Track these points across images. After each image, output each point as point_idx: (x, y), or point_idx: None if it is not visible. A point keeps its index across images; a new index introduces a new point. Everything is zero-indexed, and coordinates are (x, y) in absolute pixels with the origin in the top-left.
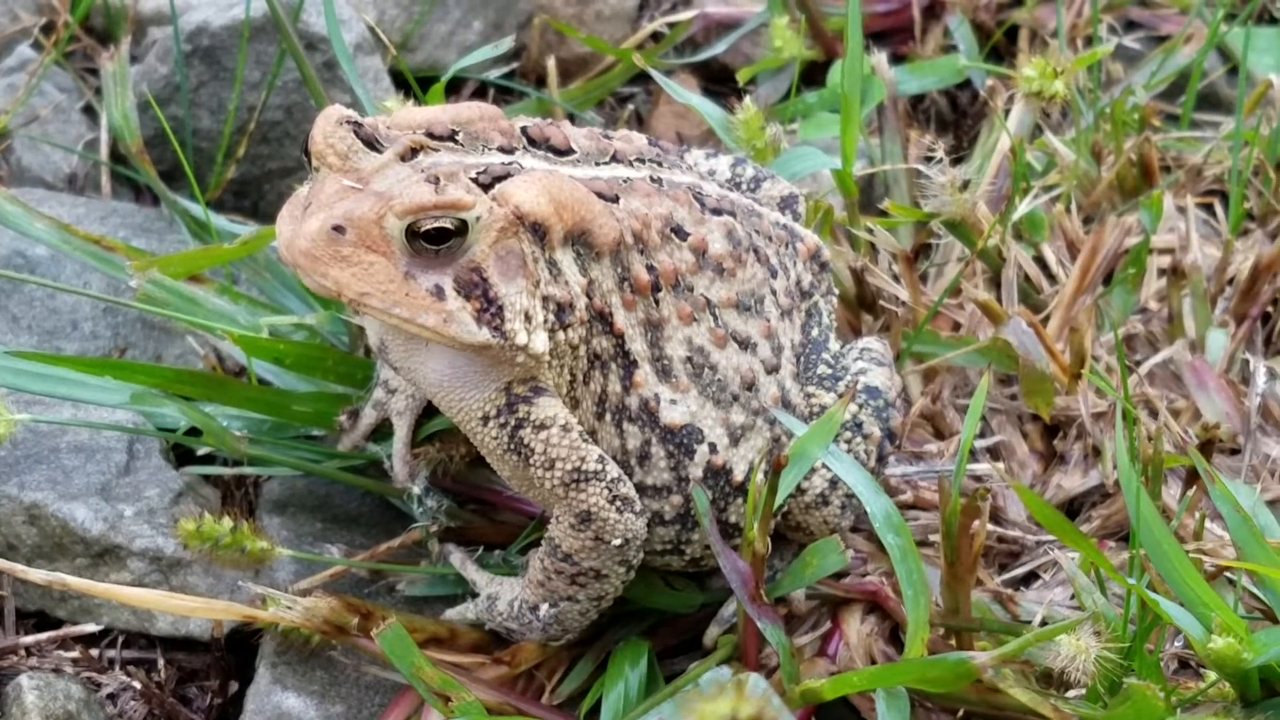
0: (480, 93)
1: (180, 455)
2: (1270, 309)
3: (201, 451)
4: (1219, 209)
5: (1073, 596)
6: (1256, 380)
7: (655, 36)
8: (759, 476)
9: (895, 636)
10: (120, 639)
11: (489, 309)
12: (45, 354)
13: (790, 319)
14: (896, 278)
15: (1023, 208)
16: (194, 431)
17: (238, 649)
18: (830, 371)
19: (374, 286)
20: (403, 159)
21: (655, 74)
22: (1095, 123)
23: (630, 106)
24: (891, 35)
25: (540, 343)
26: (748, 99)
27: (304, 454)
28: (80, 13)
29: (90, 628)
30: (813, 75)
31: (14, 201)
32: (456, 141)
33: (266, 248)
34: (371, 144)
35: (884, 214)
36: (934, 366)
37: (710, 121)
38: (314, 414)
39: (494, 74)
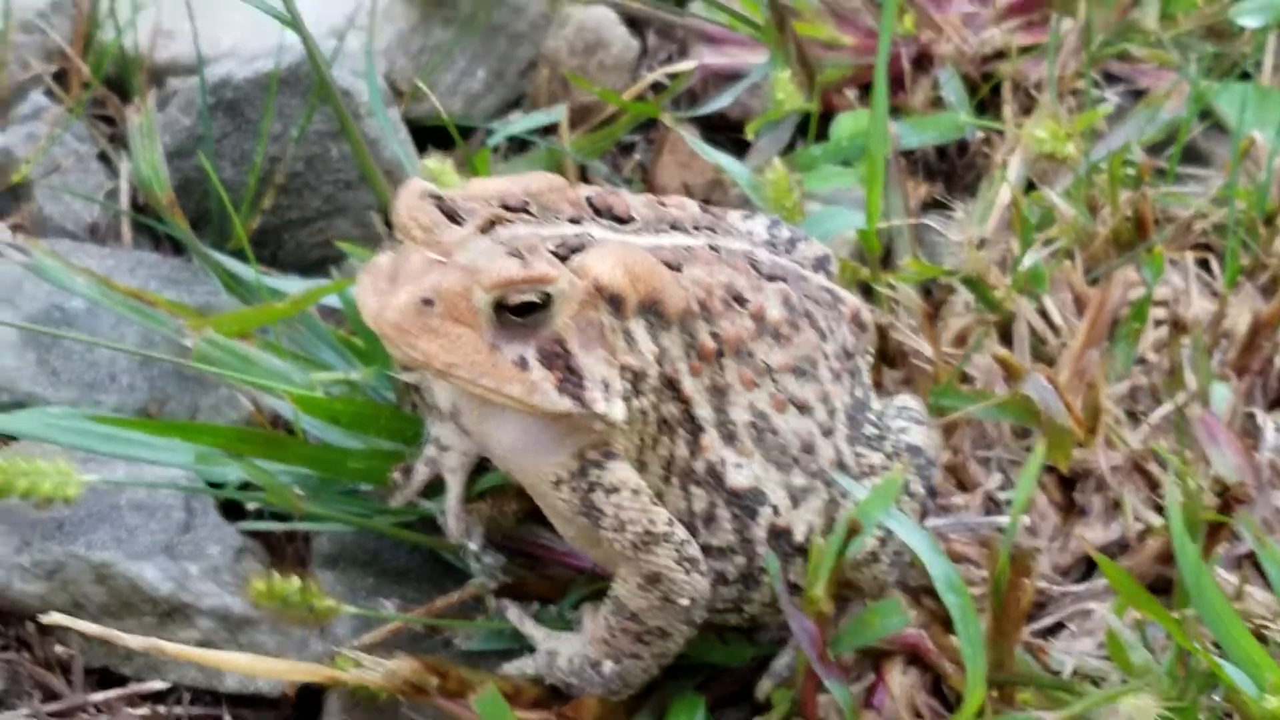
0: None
1: (228, 510)
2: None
3: (251, 507)
4: (1211, 262)
5: (1100, 646)
6: (1266, 436)
7: (654, 87)
8: (820, 538)
9: (937, 688)
10: (187, 696)
11: (570, 379)
12: (115, 418)
13: (840, 381)
14: (914, 332)
15: (1026, 261)
16: (244, 487)
17: (301, 704)
18: (876, 431)
19: (461, 358)
20: (482, 231)
21: (686, 135)
22: (1088, 176)
23: (635, 156)
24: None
25: (619, 411)
26: (776, 161)
27: (356, 510)
28: (99, 68)
29: (157, 685)
30: (806, 126)
31: (53, 256)
32: (529, 213)
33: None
34: (452, 216)
35: (894, 269)
36: (954, 420)
37: (739, 182)
38: (367, 470)
39: (499, 124)
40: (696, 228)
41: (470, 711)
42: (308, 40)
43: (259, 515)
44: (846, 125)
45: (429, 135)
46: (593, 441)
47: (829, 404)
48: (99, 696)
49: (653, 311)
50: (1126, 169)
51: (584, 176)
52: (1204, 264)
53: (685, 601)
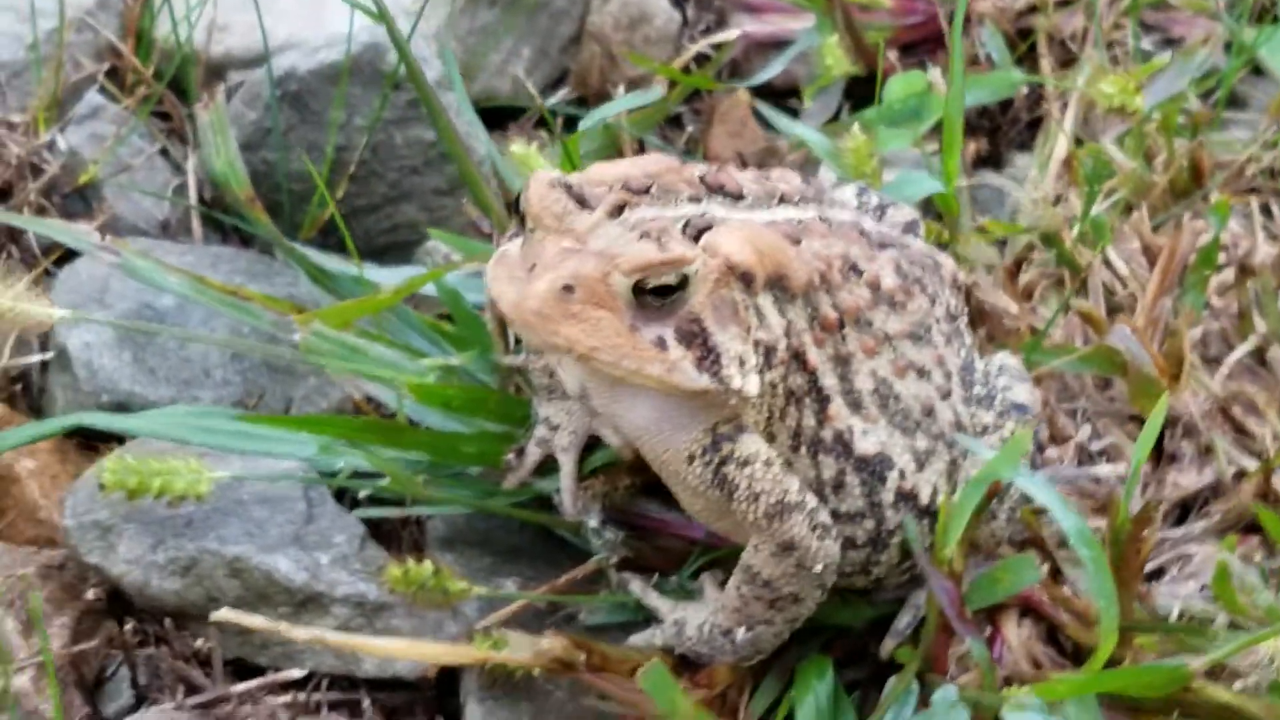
0: (541, 123)
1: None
2: None
3: (362, 494)
4: (1253, 204)
5: (1203, 589)
6: None
7: (697, 59)
8: (951, 498)
9: (1053, 639)
10: (325, 682)
11: (707, 356)
12: (244, 414)
13: (951, 344)
14: (997, 290)
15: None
16: (354, 477)
17: (439, 685)
18: (984, 391)
19: (603, 341)
20: (611, 216)
21: (765, 109)
22: (1138, 127)
23: (687, 129)
24: (919, 46)
25: (753, 386)
26: (856, 126)
27: (471, 493)
28: (147, 58)
29: (295, 673)
30: (852, 90)
31: (144, 257)
32: (652, 195)
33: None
34: (581, 202)
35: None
36: (1037, 375)
37: (819, 151)
38: (480, 453)
39: (552, 101)
40: (803, 200)
41: (613, 684)
42: (393, 28)
43: (370, 503)
44: (899, 87)
45: (484, 118)
46: (724, 416)
47: (944, 367)
48: (240, 687)
49: (779, 286)
50: (1180, 117)
51: (640, 150)
52: (1264, 209)
53: (819, 567)
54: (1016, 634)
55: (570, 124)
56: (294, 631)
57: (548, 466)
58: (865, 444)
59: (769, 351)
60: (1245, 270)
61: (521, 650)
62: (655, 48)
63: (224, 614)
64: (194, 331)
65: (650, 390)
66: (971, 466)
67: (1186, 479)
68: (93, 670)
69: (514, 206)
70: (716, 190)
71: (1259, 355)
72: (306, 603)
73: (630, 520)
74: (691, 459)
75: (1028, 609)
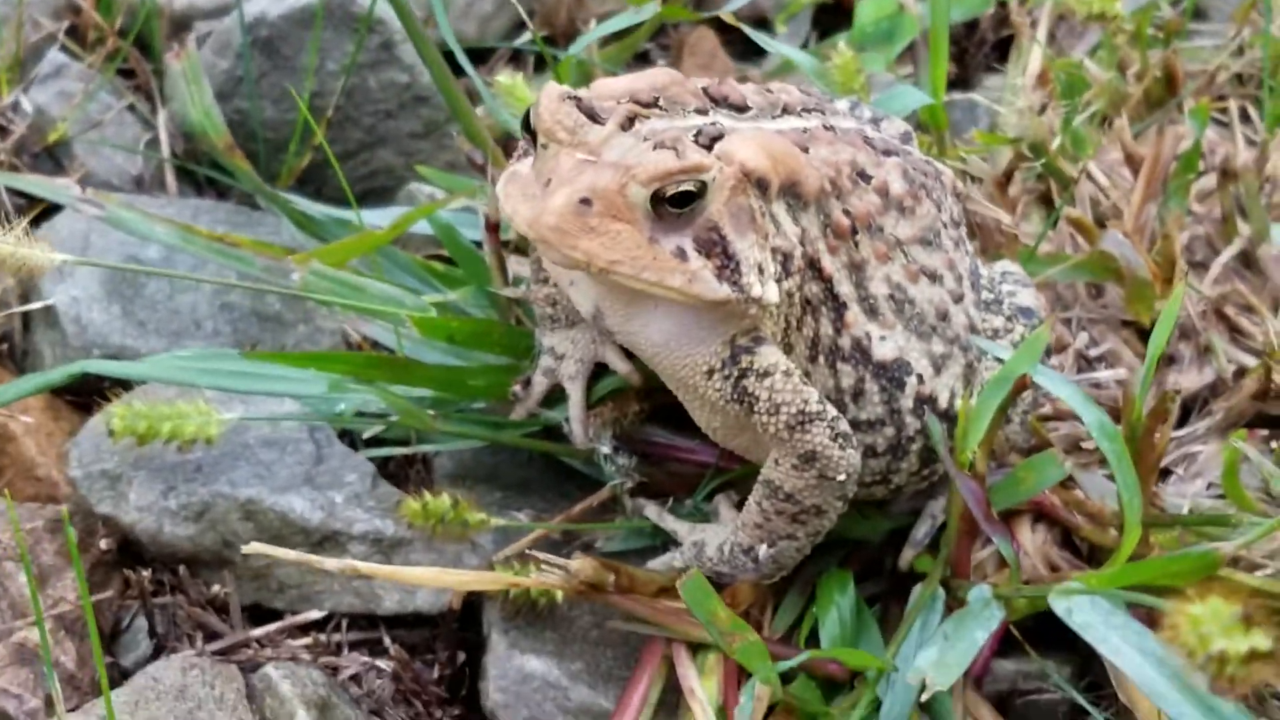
0: (515, 59)
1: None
2: None
3: (367, 434)
4: (1232, 108)
5: (1209, 487)
6: None
7: None
8: (970, 401)
9: (1068, 542)
10: (345, 622)
11: (728, 265)
12: (250, 353)
13: (958, 249)
14: (989, 201)
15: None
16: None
17: (460, 619)
18: (993, 296)
19: (623, 254)
20: (623, 129)
21: (752, 33)
22: (1110, 38)
23: (660, 62)
24: None
25: (773, 293)
26: (842, 43)
27: (480, 427)
28: (109, 13)
29: (314, 614)
30: (819, 20)
31: (130, 208)
32: (660, 107)
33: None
34: (592, 116)
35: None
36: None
37: (805, 70)
38: (487, 387)
39: (519, 41)
40: (806, 110)
41: (642, 605)
42: None
43: (376, 444)
44: (870, 10)
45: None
46: (743, 328)
47: (954, 271)
48: (259, 631)
49: (792, 193)
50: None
51: None
52: (1242, 114)
53: (841, 477)
54: (1032, 539)
55: (540, 64)
56: (325, 563)
57: (555, 397)
58: (883, 350)
59: (786, 259)
60: (1226, 174)
61: (550, 574)
62: None
63: (254, 547)
64: (191, 275)
65: (668, 305)
66: (987, 370)
67: (1187, 379)
68: (109, 621)
69: (524, 124)
70: (721, 102)
71: (1244, 258)
72: (323, 542)
73: (641, 447)
74: (711, 373)
75: (1041, 515)
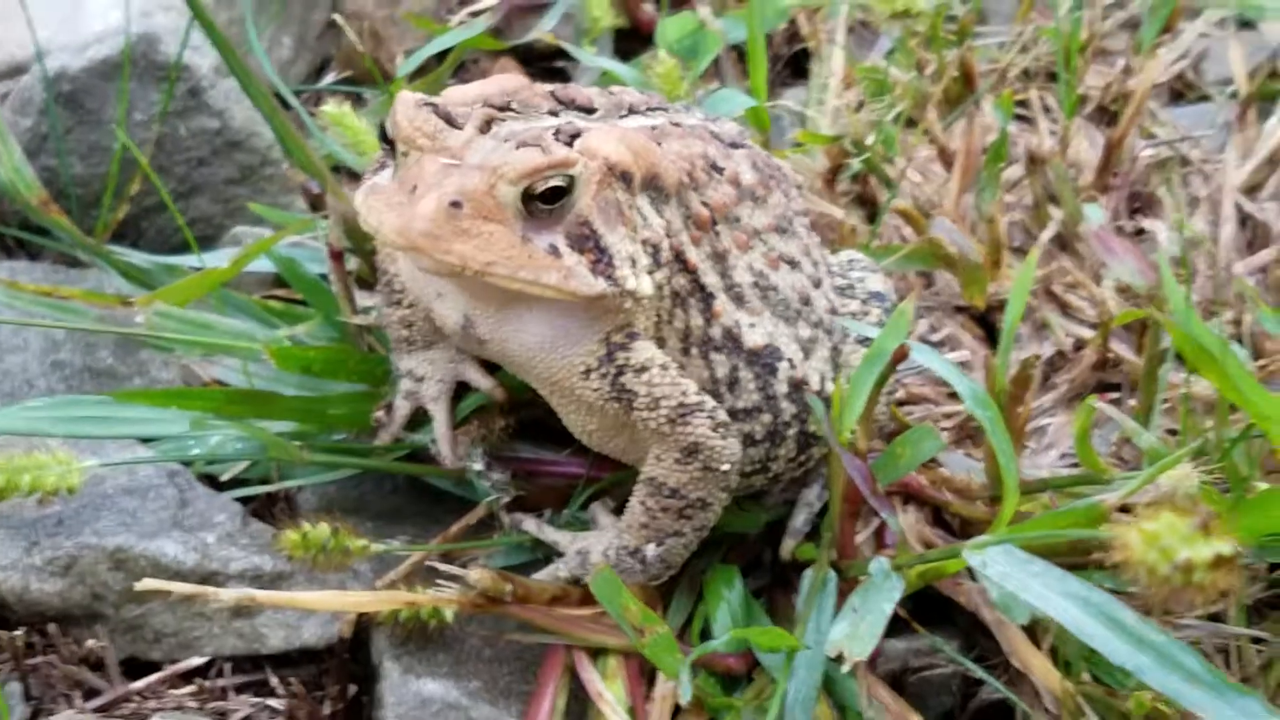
0: (317, 101)
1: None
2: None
3: (226, 476)
4: (1034, 97)
5: (1062, 457)
6: (1159, 239)
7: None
8: (841, 381)
9: (940, 520)
10: (228, 666)
11: (601, 259)
12: (102, 397)
13: (810, 237)
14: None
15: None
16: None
17: (348, 651)
18: (845, 281)
19: (497, 254)
20: (482, 132)
21: (572, 49)
22: (902, 40)
23: None
24: None
25: (647, 285)
26: (662, 52)
27: (349, 455)
28: None
29: (195, 660)
30: (619, 48)
31: None
32: (514, 111)
33: None
34: (450, 121)
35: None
36: None
37: (628, 82)
38: (348, 416)
39: (320, 85)
40: (650, 109)
41: (539, 614)
42: (204, 17)
43: (237, 484)
44: (673, 29)
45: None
46: (617, 324)
47: (810, 257)
48: (140, 684)
49: (653, 186)
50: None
51: None
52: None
53: (725, 466)
54: (904, 519)
55: (357, 101)
56: (220, 594)
57: (418, 420)
58: (754, 337)
59: (655, 250)
60: (1034, 160)
61: (446, 590)
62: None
63: (148, 583)
64: (29, 321)
65: (542, 306)
66: (851, 354)
67: (1028, 355)
68: None
69: (381, 135)
70: (569, 104)
71: (1059, 241)
72: (202, 584)
73: (510, 463)
74: (588, 372)
75: (909, 496)
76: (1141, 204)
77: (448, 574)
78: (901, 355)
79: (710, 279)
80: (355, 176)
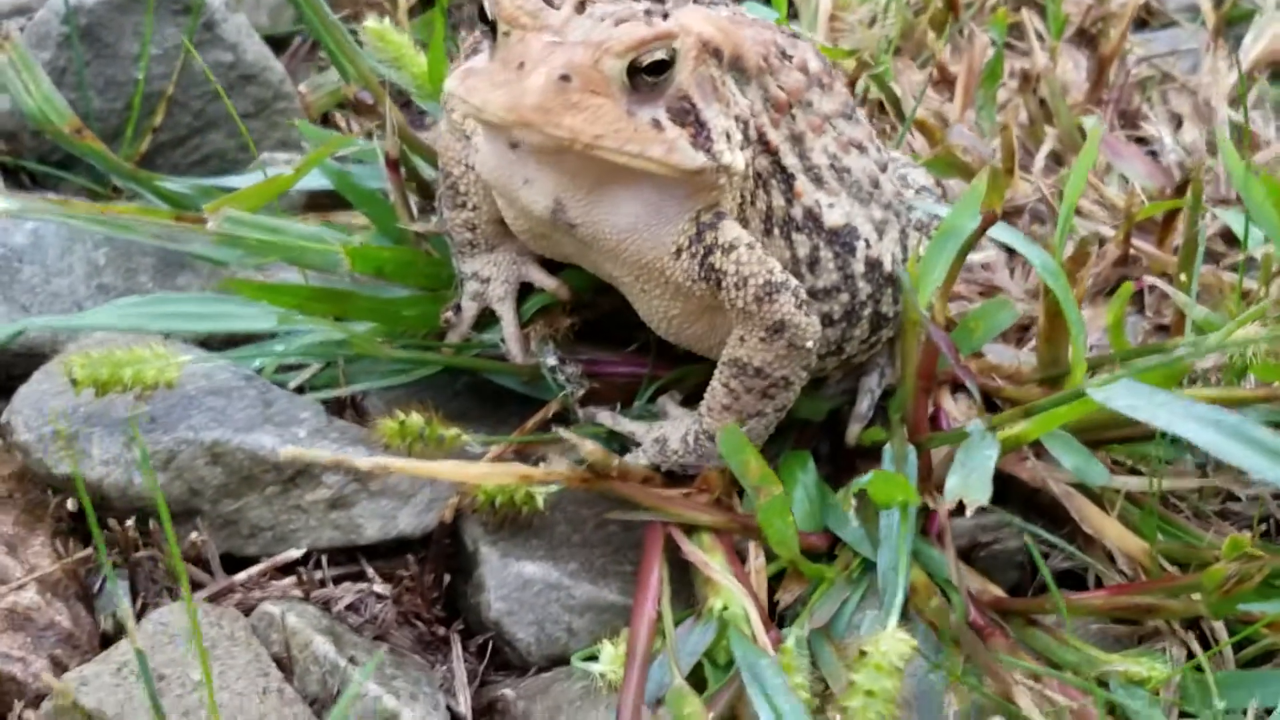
0: (315, 46)
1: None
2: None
3: (294, 384)
4: (1025, 18)
5: (1091, 348)
6: (1165, 141)
7: None
8: (914, 259)
9: (991, 408)
10: (324, 558)
11: (700, 133)
12: (196, 295)
13: (869, 125)
14: None
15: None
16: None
17: (440, 540)
18: (901, 171)
19: (605, 127)
20: (578, 12)
21: None
22: None
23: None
24: None
25: (741, 160)
26: None
27: (429, 353)
28: None
29: (294, 553)
30: None
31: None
32: None
33: None
34: (548, 1)
35: None
36: None
37: None
38: (420, 316)
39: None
40: (712, 3)
41: (638, 490)
42: None
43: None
44: None
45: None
46: (706, 204)
47: (874, 142)
48: (241, 576)
49: (736, 67)
50: None
51: None
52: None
53: (809, 343)
54: (956, 407)
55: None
56: (358, 462)
57: (484, 321)
58: (833, 216)
59: (745, 127)
60: (1027, 79)
61: (563, 463)
62: None
63: (290, 451)
64: (48, 266)
65: (635, 186)
66: (918, 243)
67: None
68: (94, 580)
69: (481, 15)
70: None
71: (1054, 157)
72: (296, 477)
73: (577, 361)
74: (679, 252)
75: (957, 385)
76: (1128, 119)
77: (565, 443)
78: (991, 219)
79: (790, 160)
80: (400, 92)
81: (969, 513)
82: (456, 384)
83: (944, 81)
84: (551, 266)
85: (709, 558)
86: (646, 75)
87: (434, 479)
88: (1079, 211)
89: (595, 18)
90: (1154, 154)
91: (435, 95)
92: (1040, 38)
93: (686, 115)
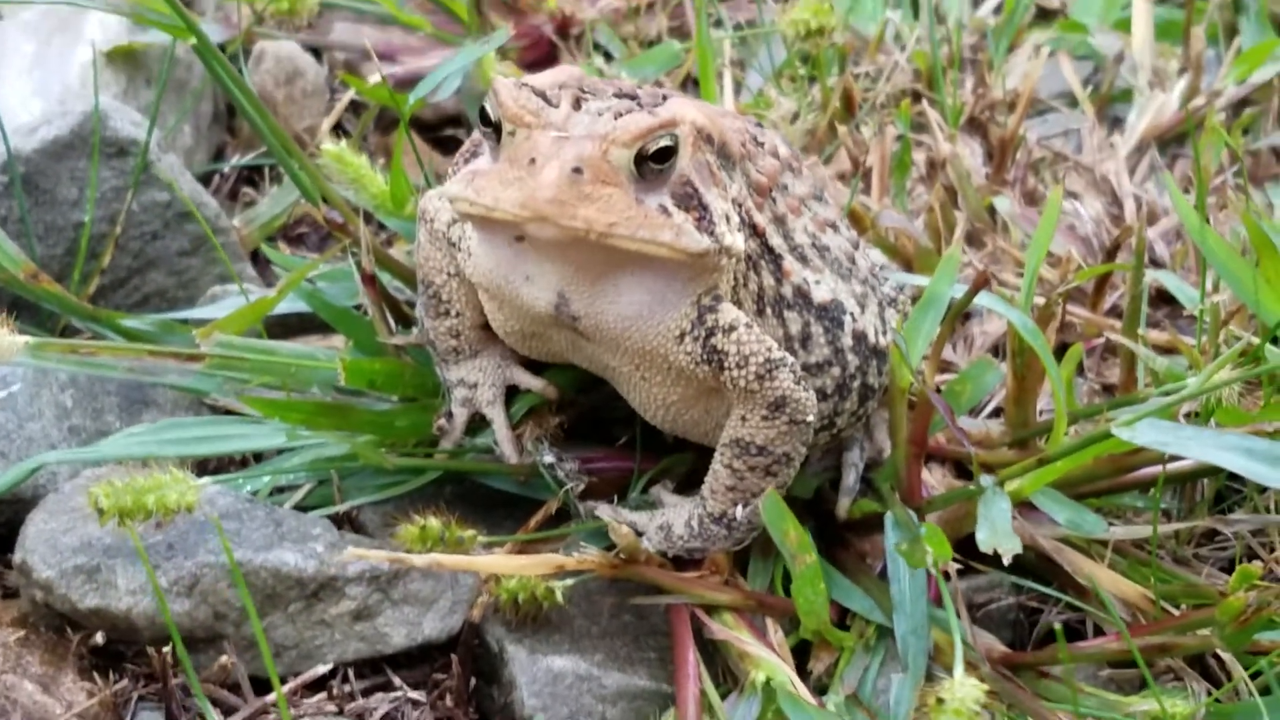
0: (240, 181)
1: None
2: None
3: (289, 505)
4: (926, 109)
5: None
6: (1083, 213)
7: (352, 106)
8: (898, 329)
9: (964, 473)
10: (351, 672)
11: (704, 217)
12: (205, 419)
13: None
14: None
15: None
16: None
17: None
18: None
19: (618, 215)
20: (574, 110)
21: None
22: (790, 60)
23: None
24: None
25: (740, 241)
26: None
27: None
28: None
29: (320, 669)
30: None
31: None
32: (588, 92)
33: None
34: (546, 100)
35: None
36: None
37: None
38: (412, 426)
39: (231, 163)
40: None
41: (663, 574)
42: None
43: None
44: None
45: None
46: (706, 287)
47: (844, 221)
48: (271, 697)
49: (723, 153)
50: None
51: None
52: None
53: (810, 418)
54: (931, 476)
55: (251, 181)
56: (414, 560)
57: (474, 426)
58: (820, 293)
59: (739, 209)
60: (934, 166)
61: (594, 554)
62: (312, 100)
63: (352, 552)
64: (21, 409)
65: (638, 274)
66: (893, 309)
67: (991, 326)
68: (127, 711)
69: (482, 118)
70: (620, 92)
71: (968, 237)
72: (319, 591)
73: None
74: (682, 336)
75: (930, 456)
76: (1030, 199)
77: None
78: (983, 281)
79: (776, 240)
80: (357, 211)
81: (1005, 560)
82: (445, 493)
83: (860, 174)
84: (534, 367)
85: (739, 634)
86: (652, 163)
87: (468, 573)
88: (1004, 284)
89: (594, 113)
90: (1071, 227)
91: (398, 213)
92: (940, 128)
93: (690, 200)
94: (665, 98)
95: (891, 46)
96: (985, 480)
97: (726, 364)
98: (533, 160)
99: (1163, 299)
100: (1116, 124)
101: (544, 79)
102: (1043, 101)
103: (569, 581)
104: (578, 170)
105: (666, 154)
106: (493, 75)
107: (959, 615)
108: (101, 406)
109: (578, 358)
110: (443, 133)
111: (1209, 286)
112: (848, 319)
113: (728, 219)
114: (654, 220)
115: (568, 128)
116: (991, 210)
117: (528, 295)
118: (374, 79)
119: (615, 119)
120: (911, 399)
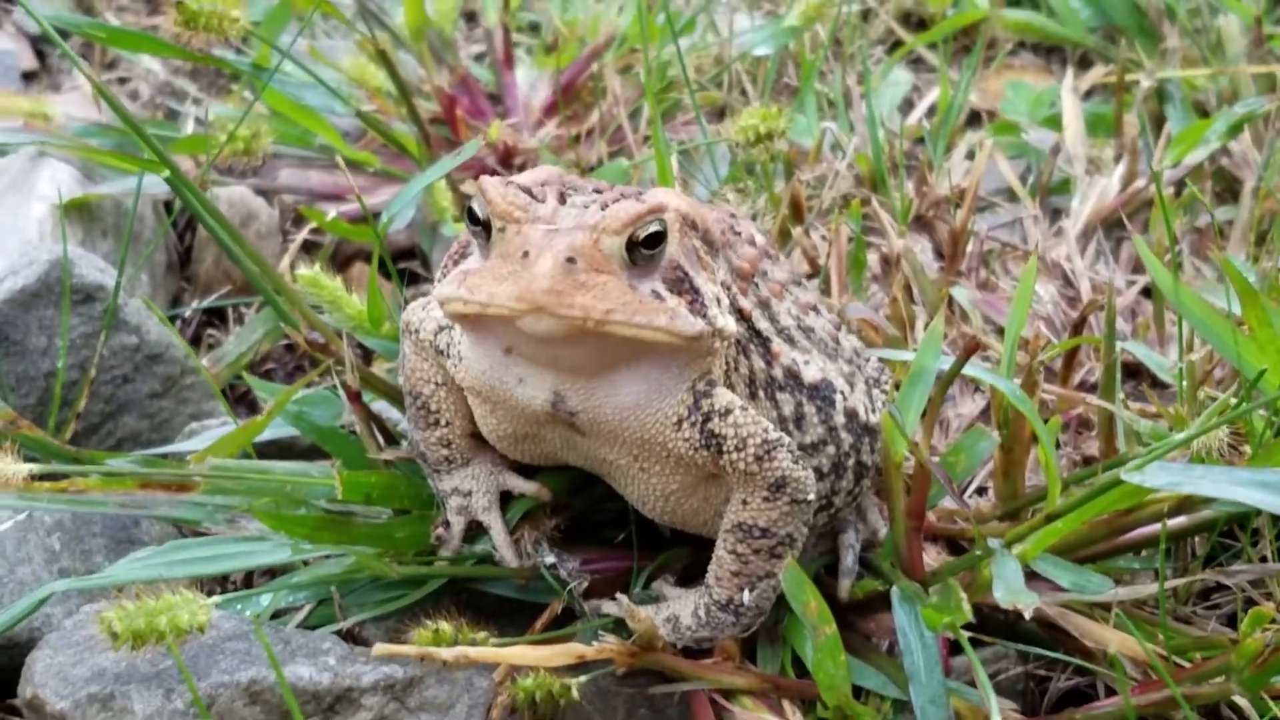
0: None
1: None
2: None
3: (292, 625)
4: (876, 207)
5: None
6: (1043, 296)
7: (306, 245)
8: (888, 404)
9: (955, 549)
10: None
11: (696, 300)
12: (207, 538)
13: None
14: None
15: None
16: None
17: None
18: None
19: (614, 302)
20: (560, 204)
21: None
22: (736, 171)
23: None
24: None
25: (732, 324)
26: None
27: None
28: None
29: None
30: None
31: None
32: (569, 189)
33: None
34: (532, 196)
35: None
36: None
37: None
38: (409, 537)
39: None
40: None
41: (680, 661)
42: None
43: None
44: None
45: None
46: (700, 372)
47: (823, 305)
48: None
49: (706, 240)
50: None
51: None
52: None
53: (810, 496)
54: (927, 555)
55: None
56: (442, 653)
57: (471, 534)
58: (810, 372)
59: (728, 292)
60: (888, 262)
61: (611, 644)
62: (266, 241)
63: (381, 648)
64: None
65: (633, 364)
66: (878, 389)
67: (965, 407)
68: None
69: (471, 218)
70: (598, 190)
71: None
72: (335, 704)
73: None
74: (680, 423)
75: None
76: (984, 287)
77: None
78: (971, 349)
79: (763, 324)
80: (338, 333)
81: (1027, 615)
82: (446, 605)
83: (816, 273)
84: (526, 471)
85: (760, 716)
86: (643, 249)
87: (484, 675)
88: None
89: (580, 205)
90: (1031, 309)
91: (375, 332)
92: (891, 226)
93: (681, 284)
94: (642, 192)
95: (829, 155)
96: (993, 543)
97: (725, 448)
98: (526, 253)
99: (1128, 373)
100: (1056, 214)
101: (526, 178)
102: (983, 198)
103: (583, 678)
104: (571, 260)
105: (656, 239)
106: (445, 205)
107: (980, 678)
108: (89, 548)
109: (572, 456)
110: (399, 265)
111: (1185, 345)
112: (838, 397)
113: (718, 301)
114: (649, 305)
115: (557, 220)
116: (949, 301)
117: (522, 396)
118: (331, 215)
119: (603, 209)
120: (907, 480)
